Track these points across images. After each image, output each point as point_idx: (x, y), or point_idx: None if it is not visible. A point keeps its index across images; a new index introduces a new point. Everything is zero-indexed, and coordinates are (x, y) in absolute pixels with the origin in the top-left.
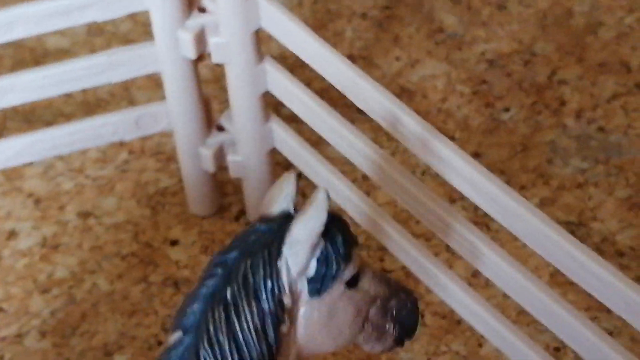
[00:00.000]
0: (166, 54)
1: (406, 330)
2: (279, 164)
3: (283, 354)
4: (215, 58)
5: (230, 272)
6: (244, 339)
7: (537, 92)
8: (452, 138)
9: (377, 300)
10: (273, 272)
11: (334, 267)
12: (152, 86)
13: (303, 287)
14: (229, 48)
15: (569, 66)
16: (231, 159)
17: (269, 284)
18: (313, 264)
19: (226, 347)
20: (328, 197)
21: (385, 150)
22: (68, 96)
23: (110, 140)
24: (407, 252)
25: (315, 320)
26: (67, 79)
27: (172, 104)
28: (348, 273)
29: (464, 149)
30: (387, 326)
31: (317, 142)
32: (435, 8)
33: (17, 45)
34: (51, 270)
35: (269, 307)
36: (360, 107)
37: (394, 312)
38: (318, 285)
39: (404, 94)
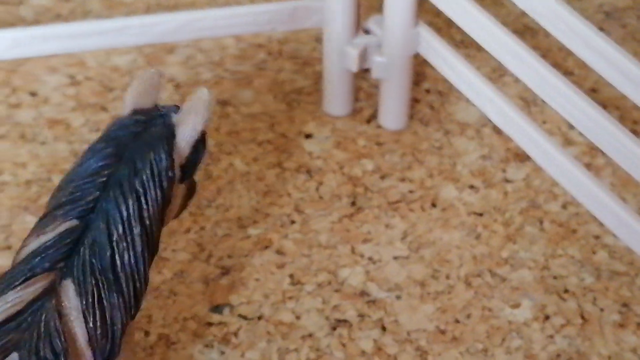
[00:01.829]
0: None
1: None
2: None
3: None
4: None
5: (134, 163)
6: (149, 224)
7: None
8: (571, 74)
9: None
10: (170, 163)
11: (201, 155)
12: None
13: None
14: None
15: None
16: (376, 60)
17: (170, 173)
18: (190, 154)
19: (136, 233)
20: (211, 95)
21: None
22: None
23: (263, 29)
24: (533, 139)
25: (176, 202)
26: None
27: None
28: None
29: (581, 85)
30: None
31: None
32: None
33: None
34: None
35: (168, 194)
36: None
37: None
38: (188, 172)
39: (527, 31)
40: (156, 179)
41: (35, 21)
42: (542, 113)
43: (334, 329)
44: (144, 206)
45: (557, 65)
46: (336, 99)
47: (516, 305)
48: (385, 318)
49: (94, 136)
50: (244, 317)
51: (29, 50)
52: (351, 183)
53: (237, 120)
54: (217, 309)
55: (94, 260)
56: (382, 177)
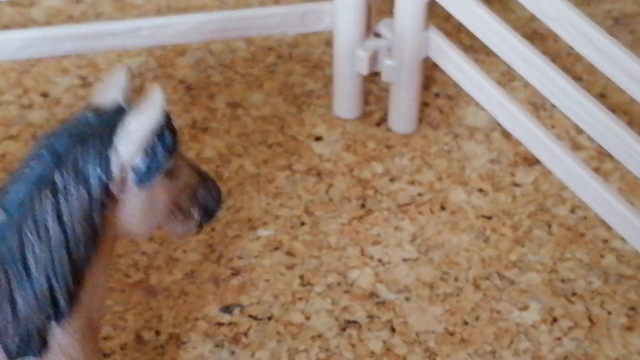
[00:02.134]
0: None
1: (208, 215)
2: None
3: (104, 236)
4: None
5: (59, 157)
6: (70, 221)
7: None
8: (579, 79)
9: (188, 188)
10: (103, 160)
11: (161, 160)
12: None
13: (129, 177)
14: None
15: None
16: (386, 63)
17: (99, 171)
18: (141, 156)
19: (51, 227)
20: (163, 96)
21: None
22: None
23: (274, 31)
24: (542, 143)
25: (136, 207)
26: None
27: (340, 2)
28: (168, 165)
29: (590, 90)
30: (192, 212)
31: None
32: None
33: None
34: (200, 149)
35: (97, 193)
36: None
37: (200, 199)
38: (144, 176)
39: (536, 37)
40: (79, 176)
41: (47, 23)
42: (551, 117)
43: (344, 329)
44: (60, 201)
45: (566, 71)
46: (346, 102)
47: (524, 308)
48: (394, 319)
49: None
50: (254, 318)
51: (40, 51)
52: (361, 185)
53: (247, 122)
54: (227, 309)
55: (4, 251)
56: (392, 180)
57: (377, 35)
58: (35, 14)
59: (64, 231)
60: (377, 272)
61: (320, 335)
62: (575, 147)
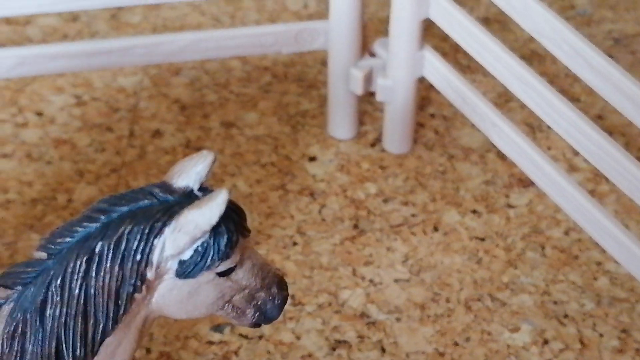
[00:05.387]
0: None
1: (265, 319)
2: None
3: (130, 314)
4: None
5: (109, 226)
6: (94, 295)
7: None
8: (577, 100)
9: (245, 289)
10: (147, 247)
11: (209, 261)
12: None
13: (172, 266)
14: None
15: None
16: (381, 82)
17: (139, 257)
18: (189, 251)
19: (75, 294)
20: (228, 199)
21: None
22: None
23: (268, 51)
24: (537, 165)
25: (173, 295)
26: None
27: (335, 21)
28: (222, 267)
29: (588, 111)
30: (247, 311)
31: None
32: None
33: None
34: None
35: (130, 276)
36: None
37: (259, 302)
38: (187, 270)
39: (534, 57)
40: (117, 256)
41: (43, 41)
42: (547, 139)
43: (334, 349)
44: (92, 273)
45: (564, 91)
46: (341, 122)
47: (515, 330)
48: (384, 340)
49: (99, 156)
50: (245, 337)
51: (35, 69)
52: (354, 206)
53: (241, 142)
54: (218, 328)
55: (30, 298)
56: (385, 201)
57: (372, 54)
58: (30, 32)
59: (86, 302)
60: (368, 293)
61: (310, 355)
62: (571, 169)
